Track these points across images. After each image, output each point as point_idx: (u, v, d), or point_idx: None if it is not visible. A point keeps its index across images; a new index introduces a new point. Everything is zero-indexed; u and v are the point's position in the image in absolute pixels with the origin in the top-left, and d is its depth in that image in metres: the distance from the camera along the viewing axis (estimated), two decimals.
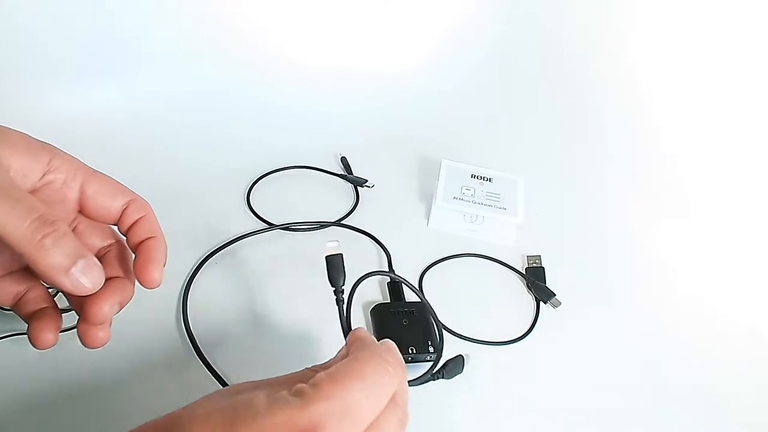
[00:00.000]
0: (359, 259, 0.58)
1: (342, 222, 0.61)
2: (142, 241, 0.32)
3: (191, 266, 0.53)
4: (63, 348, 0.46)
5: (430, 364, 0.47)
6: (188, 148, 0.69)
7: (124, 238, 0.33)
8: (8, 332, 0.44)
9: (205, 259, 0.54)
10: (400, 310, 0.52)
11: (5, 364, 0.44)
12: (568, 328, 0.54)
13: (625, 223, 0.67)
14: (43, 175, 0.29)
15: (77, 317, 0.30)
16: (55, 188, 0.30)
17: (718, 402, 0.50)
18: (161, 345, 0.47)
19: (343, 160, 0.69)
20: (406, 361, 0.48)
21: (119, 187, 0.32)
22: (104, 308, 0.29)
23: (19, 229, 0.25)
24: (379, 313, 0.51)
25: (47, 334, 0.30)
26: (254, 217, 0.60)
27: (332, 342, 0.35)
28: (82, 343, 0.30)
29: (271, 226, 0.59)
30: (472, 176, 0.63)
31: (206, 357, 0.45)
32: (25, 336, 0.44)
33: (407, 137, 0.75)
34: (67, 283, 0.27)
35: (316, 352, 0.48)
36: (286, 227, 0.59)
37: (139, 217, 0.32)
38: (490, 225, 0.61)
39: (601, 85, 0.82)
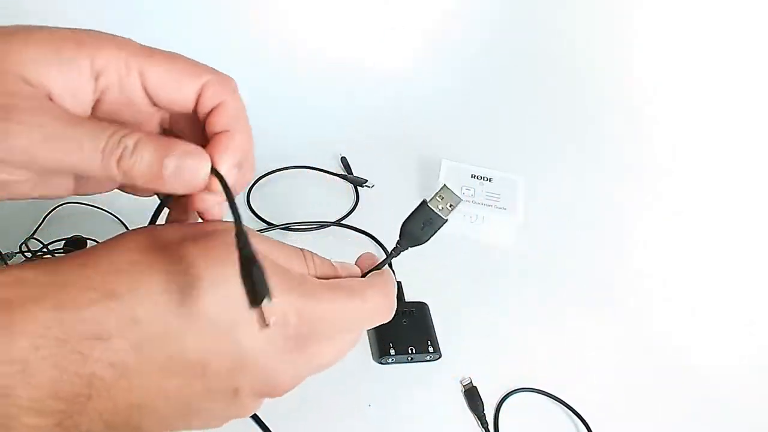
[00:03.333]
0: None
1: (342, 222, 0.61)
2: (212, 136, 0.25)
3: None
4: None
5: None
6: None
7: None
8: None
9: None
10: (399, 310, 0.52)
11: None
12: (568, 328, 0.54)
13: (624, 223, 0.67)
14: (94, 84, 0.24)
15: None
16: (113, 94, 0.24)
17: (719, 403, 0.50)
18: None
19: (343, 160, 0.69)
20: (407, 362, 0.49)
21: (186, 68, 0.25)
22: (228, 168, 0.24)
23: (95, 166, 0.22)
24: None
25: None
26: (254, 217, 0.60)
27: None
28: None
29: (271, 226, 0.59)
30: (472, 176, 0.63)
31: None
32: None
33: (407, 137, 0.75)
34: (169, 188, 0.23)
35: None
36: (286, 227, 0.59)
37: (213, 105, 0.25)
38: (490, 225, 0.61)
39: (602, 84, 0.82)
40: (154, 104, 0.25)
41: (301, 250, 0.28)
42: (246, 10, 0.78)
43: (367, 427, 0.44)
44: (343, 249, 0.59)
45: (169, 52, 0.25)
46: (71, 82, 0.23)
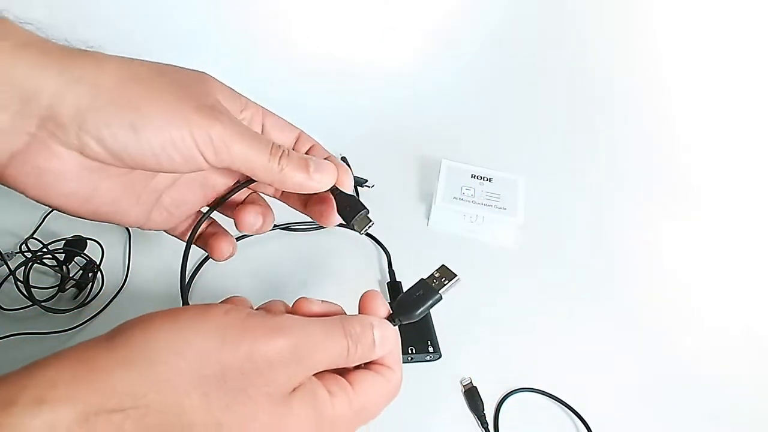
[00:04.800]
0: (359, 259, 0.58)
1: (342, 222, 0.61)
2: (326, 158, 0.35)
3: (192, 266, 0.53)
4: (64, 347, 0.46)
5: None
6: None
7: None
8: (8, 332, 0.44)
9: (205, 259, 0.54)
10: None
11: (6, 365, 0.44)
12: (568, 329, 0.54)
13: (625, 223, 0.67)
14: (240, 114, 0.33)
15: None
16: (246, 124, 0.33)
17: (719, 402, 0.50)
18: None
19: (343, 160, 0.69)
20: (406, 362, 0.49)
21: (289, 124, 0.36)
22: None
23: (263, 161, 0.30)
24: None
25: (223, 245, 0.38)
26: None
27: None
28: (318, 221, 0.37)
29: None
30: (472, 176, 0.63)
31: None
32: (26, 336, 0.44)
33: (407, 137, 0.75)
34: (312, 185, 0.32)
35: None
36: (286, 227, 0.59)
37: (310, 145, 0.36)
38: (490, 225, 0.61)
39: (603, 83, 0.82)
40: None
41: (345, 338, 0.30)
42: (245, 10, 0.77)
43: (367, 427, 0.44)
44: (343, 249, 0.59)
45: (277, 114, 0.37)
46: (232, 106, 0.33)
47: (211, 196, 0.37)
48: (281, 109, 0.85)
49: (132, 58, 0.30)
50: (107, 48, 0.30)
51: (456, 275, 0.33)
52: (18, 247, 0.49)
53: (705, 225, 0.68)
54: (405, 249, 0.59)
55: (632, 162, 0.76)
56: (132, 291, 0.51)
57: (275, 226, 0.59)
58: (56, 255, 0.50)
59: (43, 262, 0.49)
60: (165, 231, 0.38)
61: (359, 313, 0.32)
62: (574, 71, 0.83)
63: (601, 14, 0.81)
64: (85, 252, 0.51)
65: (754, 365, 0.54)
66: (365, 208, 0.34)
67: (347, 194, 0.35)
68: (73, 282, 0.49)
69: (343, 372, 0.30)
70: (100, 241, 0.51)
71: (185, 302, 0.49)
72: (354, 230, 0.35)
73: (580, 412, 0.47)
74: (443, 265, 0.34)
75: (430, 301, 0.33)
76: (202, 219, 0.37)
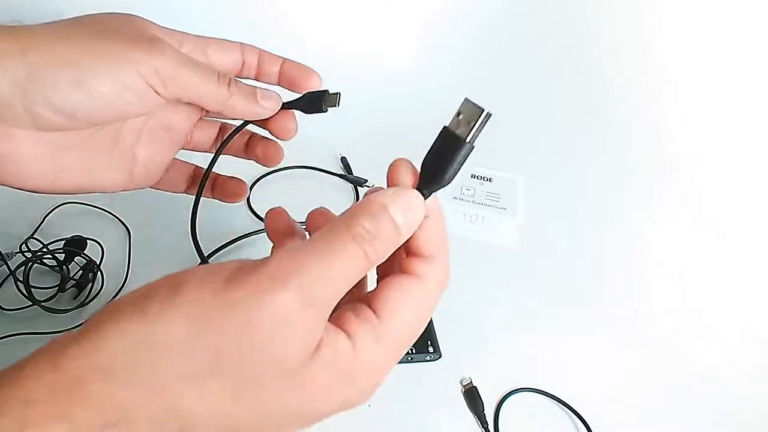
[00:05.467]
0: None
1: None
2: (281, 66, 0.37)
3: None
4: None
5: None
6: None
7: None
8: (8, 332, 0.44)
9: (205, 259, 0.54)
10: None
11: (6, 365, 0.44)
12: (568, 328, 0.54)
13: (625, 223, 0.67)
14: (180, 48, 0.32)
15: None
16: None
17: (719, 403, 0.50)
18: None
19: (343, 160, 0.69)
20: (406, 362, 0.49)
21: (229, 42, 0.35)
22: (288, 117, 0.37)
23: (212, 89, 0.31)
24: None
25: (237, 187, 0.40)
26: (254, 217, 0.60)
27: None
28: (281, 137, 0.38)
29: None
30: (472, 176, 0.63)
31: None
32: (26, 336, 0.44)
33: (407, 137, 0.75)
34: (259, 110, 0.34)
35: None
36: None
37: (257, 57, 0.37)
38: (490, 225, 0.61)
39: (603, 83, 0.82)
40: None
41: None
42: (245, 10, 0.78)
43: (368, 427, 0.44)
44: None
45: (210, 38, 0.35)
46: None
47: (177, 138, 0.36)
48: None
49: (55, 21, 0.29)
50: None
51: (482, 109, 0.25)
52: (18, 247, 0.49)
53: (706, 225, 0.68)
54: None
55: (633, 162, 0.75)
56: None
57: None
58: (56, 255, 0.50)
59: (43, 262, 0.49)
60: (153, 188, 0.38)
61: None
62: (575, 72, 0.83)
63: (601, 15, 0.81)
64: (85, 252, 0.51)
65: (755, 365, 0.54)
66: (324, 90, 0.37)
67: (305, 94, 0.37)
68: (73, 282, 0.49)
69: (366, 291, 0.25)
70: (100, 241, 0.51)
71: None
72: (329, 109, 0.37)
73: (580, 412, 0.47)
74: (466, 98, 0.26)
75: (461, 155, 0.25)
76: (208, 172, 0.38)
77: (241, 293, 0.21)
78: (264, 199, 0.62)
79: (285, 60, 0.37)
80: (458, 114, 0.26)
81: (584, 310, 0.56)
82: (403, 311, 0.24)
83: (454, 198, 0.61)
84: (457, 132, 0.25)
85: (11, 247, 0.50)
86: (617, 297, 0.58)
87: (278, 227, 0.29)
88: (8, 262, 0.47)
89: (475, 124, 0.25)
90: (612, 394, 0.49)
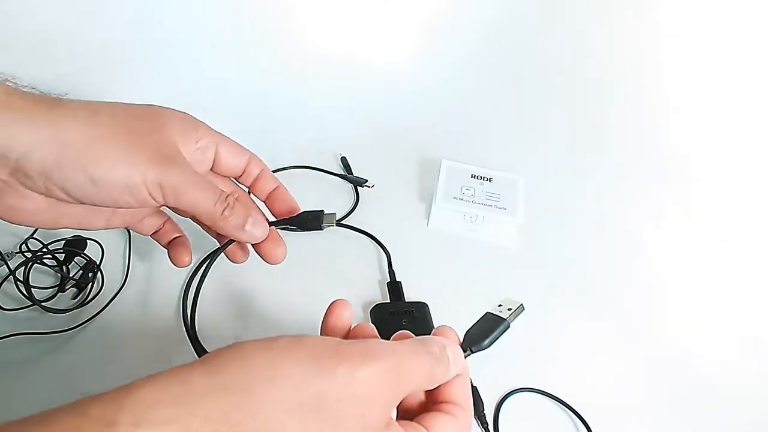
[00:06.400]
0: (359, 259, 0.58)
1: (342, 222, 0.61)
2: (273, 189, 0.42)
3: (191, 266, 0.53)
4: (64, 347, 0.46)
5: None
6: None
7: (246, 189, 0.42)
8: (8, 332, 0.44)
9: (204, 259, 0.54)
10: (399, 310, 0.52)
11: (6, 365, 0.44)
12: (568, 328, 0.54)
13: (625, 223, 0.67)
14: (195, 145, 0.37)
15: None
16: (200, 154, 0.38)
17: (720, 403, 0.50)
18: (161, 344, 0.47)
19: (343, 160, 0.69)
20: None
21: (241, 148, 0.40)
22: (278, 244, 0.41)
23: (209, 208, 0.35)
24: (378, 313, 0.52)
25: (185, 257, 0.42)
26: None
27: None
28: (269, 262, 0.41)
29: (271, 225, 0.59)
30: (472, 176, 0.63)
31: None
32: (26, 336, 0.44)
33: (407, 137, 0.75)
34: (245, 237, 0.38)
35: None
36: (286, 227, 0.59)
37: (260, 170, 0.41)
38: (490, 225, 0.61)
39: (603, 83, 0.82)
40: (211, 169, 0.40)
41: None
42: (245, 10, 0.78)
43: None
44: (343, 249, 0.59)
45: (229, 138, 0.40)
46: (187, 141, 0.36)
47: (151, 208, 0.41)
48: (281, 108, 0.86)
49: (93, 107, 0.34)
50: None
51: (520, 303, 0.36)
52: (18, 247, 0.49)
53: (706, 225, 0.68)
54: (405, 249, 0.59)
55: (633, 162, 0.75)
56: (132, 291, 0.51)
57: (275, 224, 0.59)
58: (56, 255, 0.50)
59: (43, 262, 0.49)
60: (127, 228, 0.44)
61: None
62: (574, 72, 0.83)
63: (601, 15, 0.81)
64: (85, 252, 0.51)
65: (756, 365, 0.54)
66: (320, 210, 0.41)
67: (301, 214, 0.41)
68: (73, 282, 0.49)
69: (415, 417, 0.30)
70: (100, 241, 0.51)
71: (185, 301, 0.49)
72: (326, 227, 0.41)
73: (580, 412, 0.47)
74: (506, 299, 0.38)
75: (499, 329, 0.35)
76: (209, 265, 0.43)
77: (353, 354, 0.26)
78: None
79: (279, 185, 0.42)
80: (499, 305, 0.37)
81: (584, 309, 0.56)
82: None
83: (454, 198, 0.61)
84: (498, 315, 0.36)
85: (11, 247, 0.50)
86: (617, 297, 0.58)
87: (340, 324, 0.33)
88: (8, 262, 0.47)
89: (514, 310, 0.36)
90: (612, 394, 0.49)
